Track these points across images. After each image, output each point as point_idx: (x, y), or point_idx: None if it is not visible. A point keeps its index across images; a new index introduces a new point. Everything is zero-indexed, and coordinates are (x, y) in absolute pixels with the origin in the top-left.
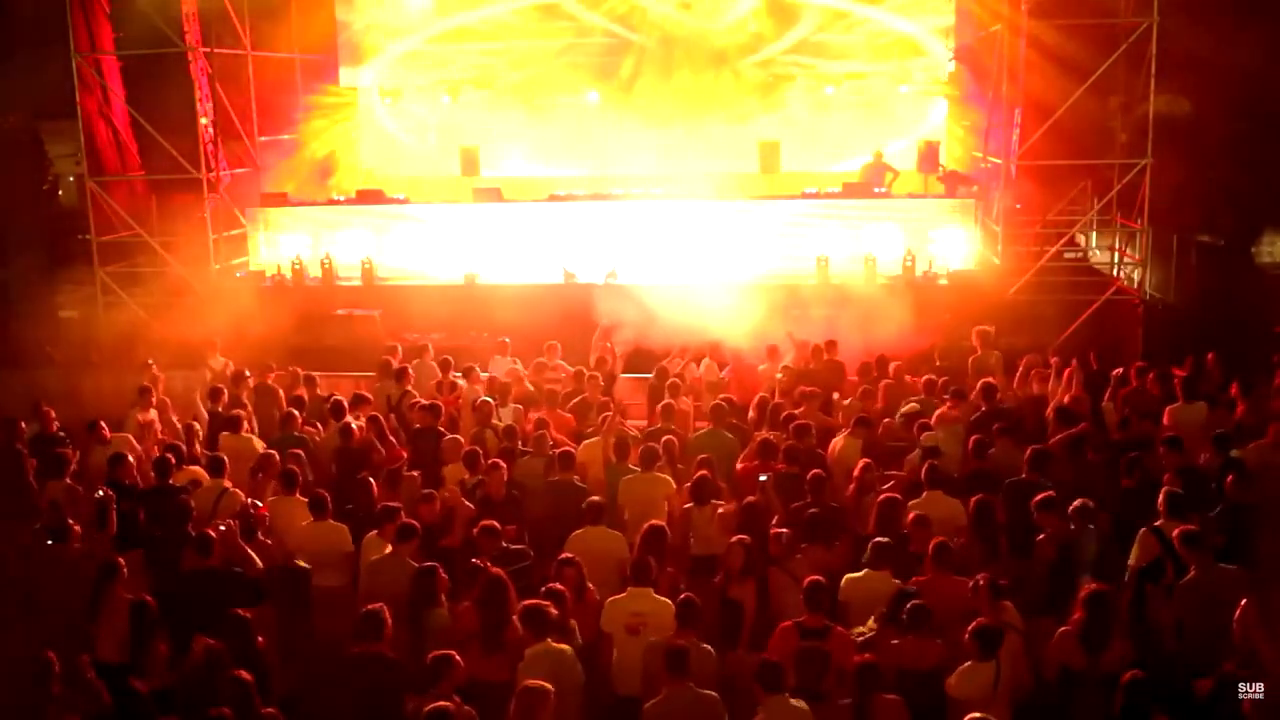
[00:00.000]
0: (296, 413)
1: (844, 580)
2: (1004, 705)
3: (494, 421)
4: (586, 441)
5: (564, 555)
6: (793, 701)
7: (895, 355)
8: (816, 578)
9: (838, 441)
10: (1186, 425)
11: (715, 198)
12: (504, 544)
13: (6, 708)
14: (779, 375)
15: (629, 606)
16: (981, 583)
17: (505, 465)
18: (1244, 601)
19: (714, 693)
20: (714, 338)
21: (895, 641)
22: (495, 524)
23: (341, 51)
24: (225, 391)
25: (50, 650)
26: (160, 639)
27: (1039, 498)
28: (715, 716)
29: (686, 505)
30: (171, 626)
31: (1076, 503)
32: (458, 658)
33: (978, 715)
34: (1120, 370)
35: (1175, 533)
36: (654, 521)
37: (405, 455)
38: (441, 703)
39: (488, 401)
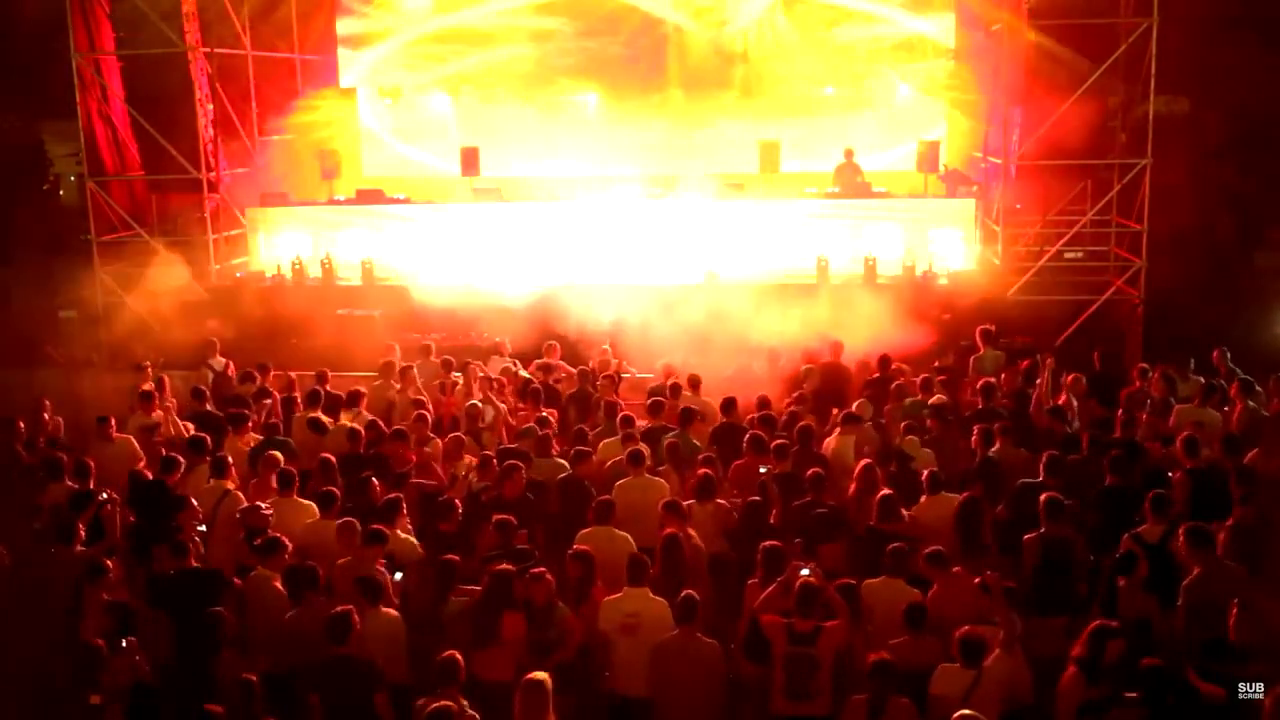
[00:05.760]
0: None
1: (863, 586)
2: (993, 713)
3: (481, 424)
4: (605, 441)
5: (576, 549)
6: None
7: (895, 355)
8: (809, 580)
9: (830, 441)
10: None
11: (715, 198)
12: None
13: (10, 707)
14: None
15: (624, 607)
16: (990, 584)
17: (521, 466)
18: (1235, 602)
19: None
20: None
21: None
22: (509, 519)
23: (341, 51)
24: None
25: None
26: (129, 639)
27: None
28: (715, 661)
29: (688, 503)
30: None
31: (1068, 502)
32: (460, 658)
33: (967, 713)
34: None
35: (1182, 530)
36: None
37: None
38: (444, 702)
39: (476, 405)
